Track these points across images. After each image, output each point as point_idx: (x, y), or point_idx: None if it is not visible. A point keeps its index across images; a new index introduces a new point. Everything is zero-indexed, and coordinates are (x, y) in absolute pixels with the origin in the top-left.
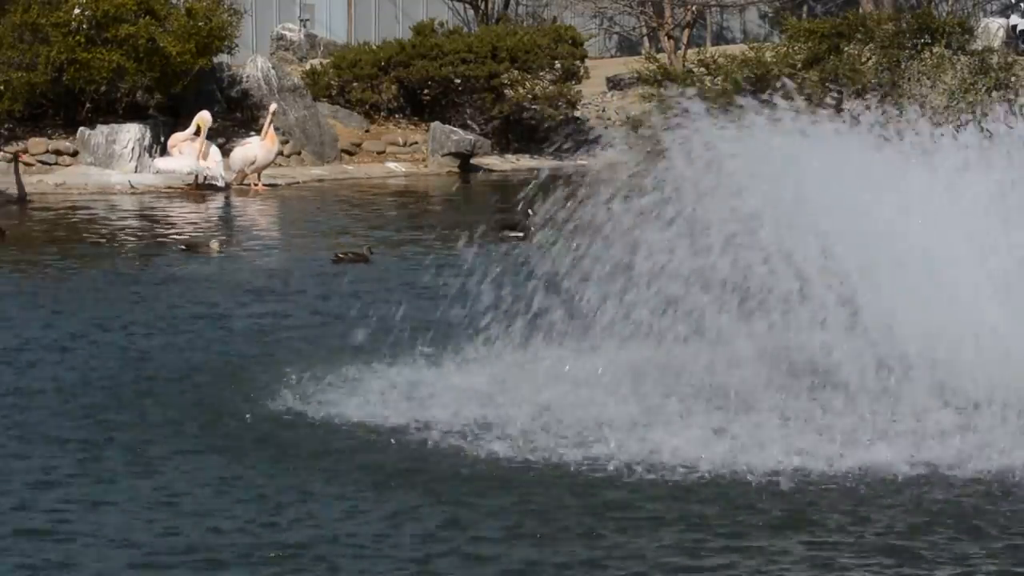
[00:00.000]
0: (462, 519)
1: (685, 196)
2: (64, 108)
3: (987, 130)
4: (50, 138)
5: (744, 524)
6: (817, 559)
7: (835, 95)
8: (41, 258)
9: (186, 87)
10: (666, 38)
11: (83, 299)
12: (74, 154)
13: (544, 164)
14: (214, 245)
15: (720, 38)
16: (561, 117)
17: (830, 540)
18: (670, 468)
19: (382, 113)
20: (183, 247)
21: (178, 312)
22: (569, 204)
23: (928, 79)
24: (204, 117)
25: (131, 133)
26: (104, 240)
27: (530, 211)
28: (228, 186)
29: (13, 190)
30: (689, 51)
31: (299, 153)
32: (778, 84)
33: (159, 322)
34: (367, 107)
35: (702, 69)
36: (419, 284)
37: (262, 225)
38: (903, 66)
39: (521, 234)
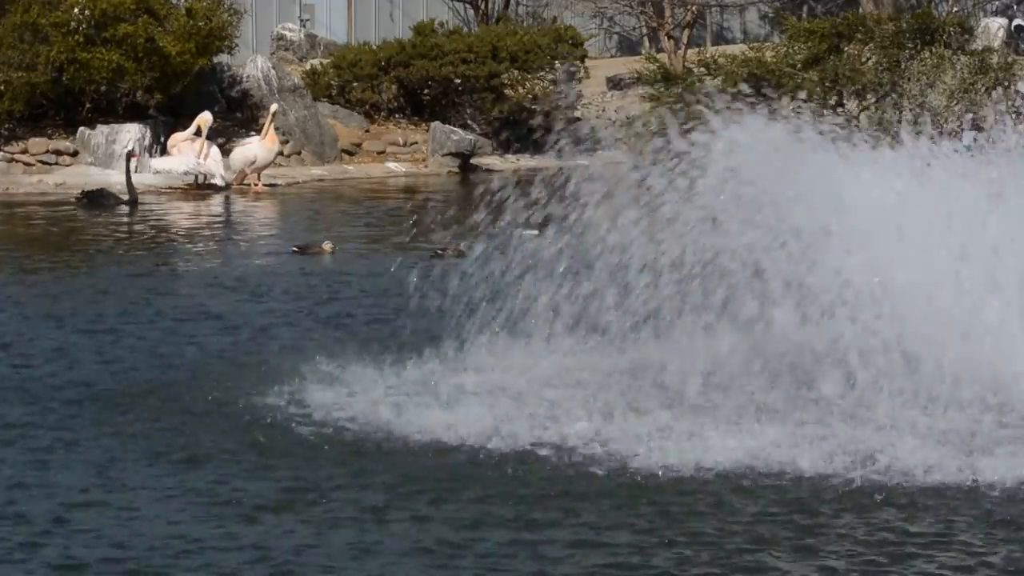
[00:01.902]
0: None
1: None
2: (64, 108)
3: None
4: (50, 138)
5: None
6: None
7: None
8: (175, 268)
9: (186, 87)
10: (666, 38)
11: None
12: (74, 154)
13: (544, 164)
14: (327, 246)
15: (720, 38)
16: (561, 117)
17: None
18: None
19: (382, 113)
20: (295, 248)
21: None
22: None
23: (928, 79)
24: (205, 118)
25: (131, 133)
26: (216, 242)
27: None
28: (228, 186)
29: (123, 192)
30: (689, 51)
31: (299, 153)
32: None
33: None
34: (367, 107)
35: (702, 69)
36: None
37: (323, 225)
38: (903, 66)
39: (536, 232)
